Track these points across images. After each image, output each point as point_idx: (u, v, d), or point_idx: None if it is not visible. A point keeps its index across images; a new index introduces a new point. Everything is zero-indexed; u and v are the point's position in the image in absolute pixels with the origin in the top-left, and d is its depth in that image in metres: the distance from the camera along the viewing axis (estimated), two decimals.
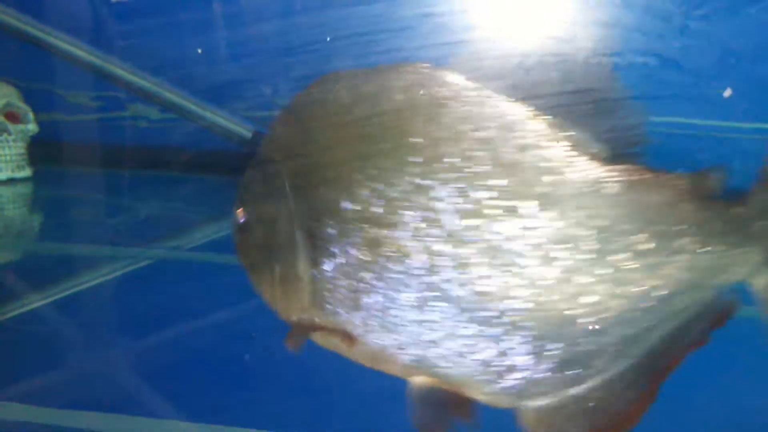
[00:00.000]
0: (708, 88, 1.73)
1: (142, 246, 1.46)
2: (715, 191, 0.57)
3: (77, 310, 1.13)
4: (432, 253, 0.57)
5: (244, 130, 2.09)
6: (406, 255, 0.58)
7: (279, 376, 0.89)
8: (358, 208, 0.59)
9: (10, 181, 1.93)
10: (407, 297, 0.58)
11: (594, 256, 0.56)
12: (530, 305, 0.57)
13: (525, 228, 0.56)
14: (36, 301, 1.12)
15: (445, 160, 0.57)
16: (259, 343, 0.97)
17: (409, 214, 0.57)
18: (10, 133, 1.93)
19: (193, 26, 2.00)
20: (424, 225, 0.57)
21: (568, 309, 0.57)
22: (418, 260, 0.57)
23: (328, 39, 1.78)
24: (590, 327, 0.57)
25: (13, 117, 1.95)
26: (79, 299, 1.16)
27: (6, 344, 0.99)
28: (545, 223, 0.56)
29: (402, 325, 0.59)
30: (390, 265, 0.58)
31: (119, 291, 1.22)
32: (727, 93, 1.73)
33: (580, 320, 0.57)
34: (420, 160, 0.57)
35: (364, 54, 1.67)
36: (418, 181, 0.57)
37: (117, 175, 2.11)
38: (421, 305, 0.58)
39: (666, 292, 0.57)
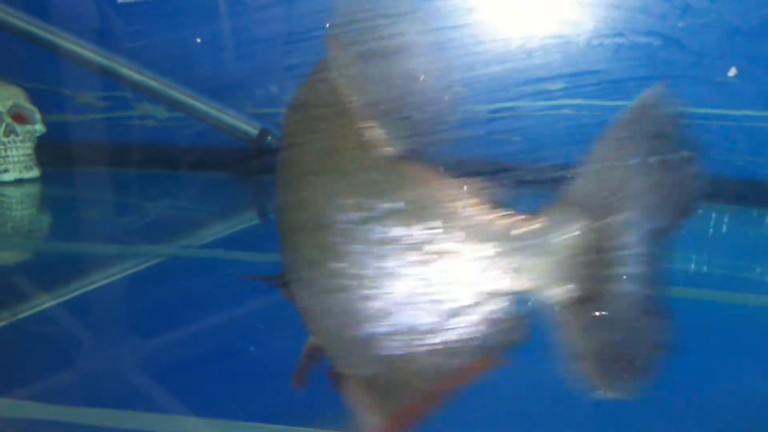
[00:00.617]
0: (712, 68, 1.74)
1: (152, 244, 1.46)
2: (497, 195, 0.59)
3: (88, 309, 1.13)
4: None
5: (251, 128, 2.10)
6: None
7: (289, 371, 0.89)
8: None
9: (19, 182, 1.94)
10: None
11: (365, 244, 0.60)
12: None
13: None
14: (47, 301, 1.12)
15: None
16: (269, 339, 0.97)
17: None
18: (17, 134, 1.94)
19: (200, 24, 2.01)
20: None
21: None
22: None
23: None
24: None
25: (20, 118, 1.95)
26: (89, 298, 1.16)
27: (18, 344, 1.00)
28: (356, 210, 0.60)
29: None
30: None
31: (130, 290, 1.22)
32: (732, 72, 1.73)
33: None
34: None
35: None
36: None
37: (125, 174, 2.12)
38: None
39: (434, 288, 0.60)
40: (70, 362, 0.91)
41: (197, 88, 2.07)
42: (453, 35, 1.58)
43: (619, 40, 1.75)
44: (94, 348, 0.97)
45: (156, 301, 1.14)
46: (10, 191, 1.89)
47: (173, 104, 2.09)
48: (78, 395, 0.83)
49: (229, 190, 2.07)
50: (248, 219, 1.77)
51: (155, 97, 2.09)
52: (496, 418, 0.81)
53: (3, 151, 1.92)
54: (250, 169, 2.09)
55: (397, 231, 0.59)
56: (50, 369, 0.89)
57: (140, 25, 2.04)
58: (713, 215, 1.73)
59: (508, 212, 0.58)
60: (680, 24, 1.71)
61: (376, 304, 0.60)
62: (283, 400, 0.82)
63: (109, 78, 2.09)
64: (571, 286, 0.59)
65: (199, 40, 2.00)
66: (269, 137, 2.08)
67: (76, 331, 1.04)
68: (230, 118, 2.09)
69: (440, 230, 0.58)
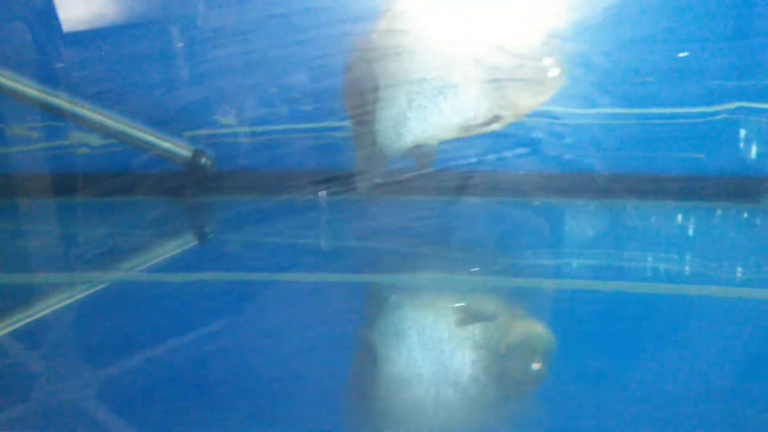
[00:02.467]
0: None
1: (93, 271, 1.48)
2: None
3: (36, 339, 1.15)
4: None
5: (184, 150, 2.12)
6: None
7: (242, 395, 0.92)
8: None
9: None
10: None
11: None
12: None
13: None
14: None
15: None
16: (223, 361, 1.01)
17: None
18: None
19: (151, 51, 2.03)
20: None
21: None
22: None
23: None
24: None
25: None
26: (36, 328, 1.18)
27: None
28: None
29: None
30: None
31: (76, 317, 1.24)
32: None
33: None
34: None
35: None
36: None
37: (61, 203, 2.11)
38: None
39: None
40: (23, 393, 0.93)
41: (147, 114, 2.08)
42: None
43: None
44: (47, 378, 0.99)
45: (104, 328, 1.17)
46: None
47: (105, 131, 2.10)
48: (33, 426, 0.85)
49: (165, 213, 2.08)
50: (186, 241, 1.79)
51: (87, 126, 2.10)
52: None
53: None
54: (186, 191, 2.11)
55: None
56: (3, 401, 0.91)
57: (88, 54, 2.04)
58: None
59: None
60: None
61: None
62: (242, 424, 0.85)
63: (41, 108, 2.09)
64: None
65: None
66: (203, 159, 2.11)
67: (26, 361, 1.06)
68: (163, 141, 2.11)
69: None
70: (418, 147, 1.53)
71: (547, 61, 1.49)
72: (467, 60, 1.48)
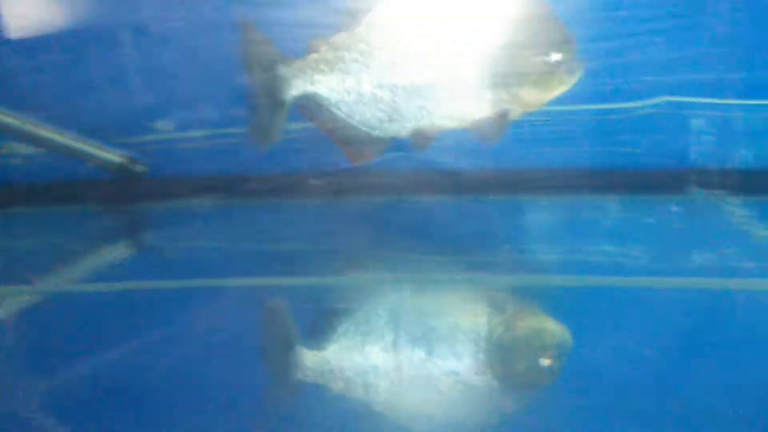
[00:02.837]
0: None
1: (27, 284, 1.47)
2: None
3: None
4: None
5: (118, 158, 2.11)
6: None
7: (176, 404, 0.93)
8: None
9: None
10: None
11: None
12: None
13: None
14: None
15: None
16: (166, 372, 1.01)
17: None
18: None
19: (102, 56, 2.01)
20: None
21: None
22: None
23: None
24: None
25: None
26: None
27: None
28: None
29: None
30: None
31: (11, 330, 1.24)
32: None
33: None
34: None
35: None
36: None
37: None
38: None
39: None
40: None
41: (81, 123, 2.05)
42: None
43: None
44: None
45: (44, 340, 1.16)
46: None
47: (37, 141, 2.08)
48: None
49: (99, 222, 2.07)
50: (123, 250, 1.79)
51: (19, 136, 2.08)
52: None
53: None
54: (121, 199, 2.11)
55: None
56: None
57: (38, 60, 2.01)
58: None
59: None
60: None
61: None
62: None
63: None
64: None
65: None
66: (138, 166, 2.10)
67: None
68: (96, 150, 2.09)
69: None
70: (418, 132, 1.52)
71: (557, 55, 1.46)
72: (469, 52, 1.46)
